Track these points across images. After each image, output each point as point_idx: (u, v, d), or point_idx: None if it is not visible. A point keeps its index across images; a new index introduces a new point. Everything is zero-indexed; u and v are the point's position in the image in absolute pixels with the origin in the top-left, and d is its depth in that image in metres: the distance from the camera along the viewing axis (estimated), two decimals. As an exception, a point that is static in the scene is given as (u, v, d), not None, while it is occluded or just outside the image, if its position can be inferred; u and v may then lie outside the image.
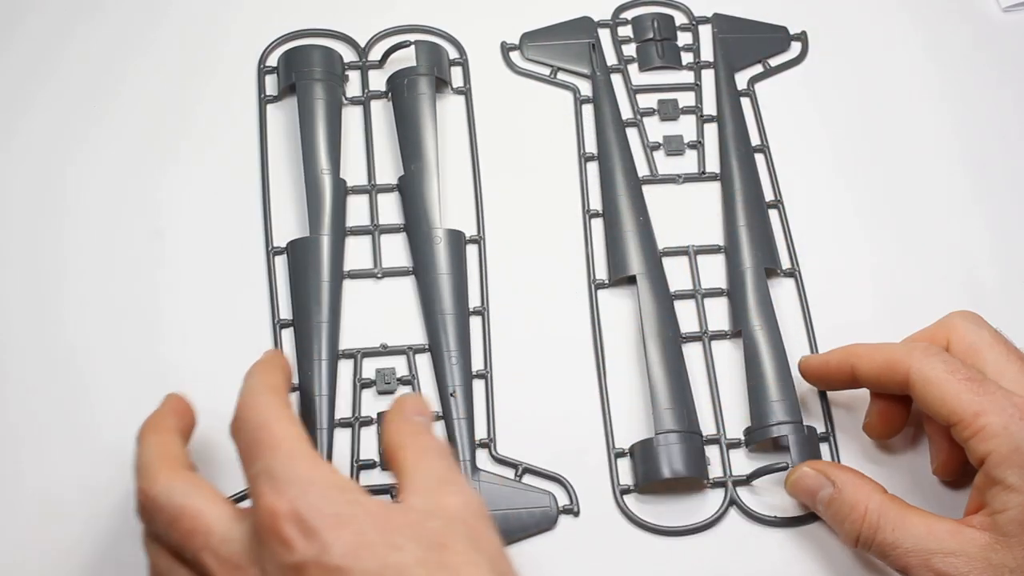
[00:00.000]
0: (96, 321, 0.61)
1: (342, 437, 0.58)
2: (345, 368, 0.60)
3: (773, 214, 0.66)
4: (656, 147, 0.68)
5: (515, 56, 0.71)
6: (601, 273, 0.64)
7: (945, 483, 0.58)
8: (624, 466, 0.58)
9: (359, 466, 0.57)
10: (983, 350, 0.53)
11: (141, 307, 0.61)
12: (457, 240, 0.63)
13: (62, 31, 0.70)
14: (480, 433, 0.59)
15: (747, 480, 0.58)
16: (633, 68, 0.71)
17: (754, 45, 0.72)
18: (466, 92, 0.69)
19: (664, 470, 0.57)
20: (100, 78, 0.68)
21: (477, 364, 0.60)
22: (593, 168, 0.67)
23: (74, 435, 0.58)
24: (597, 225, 0.65)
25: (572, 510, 0.57)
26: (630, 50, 0.72)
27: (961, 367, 0.52)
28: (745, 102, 0.70)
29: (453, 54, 0.70)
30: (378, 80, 0.69)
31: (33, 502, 0.56)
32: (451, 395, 0.59)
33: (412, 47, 0.68)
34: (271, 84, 0.69)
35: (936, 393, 0.51)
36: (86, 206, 0.64)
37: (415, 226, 0.64)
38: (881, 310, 0.63)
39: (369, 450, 0.58)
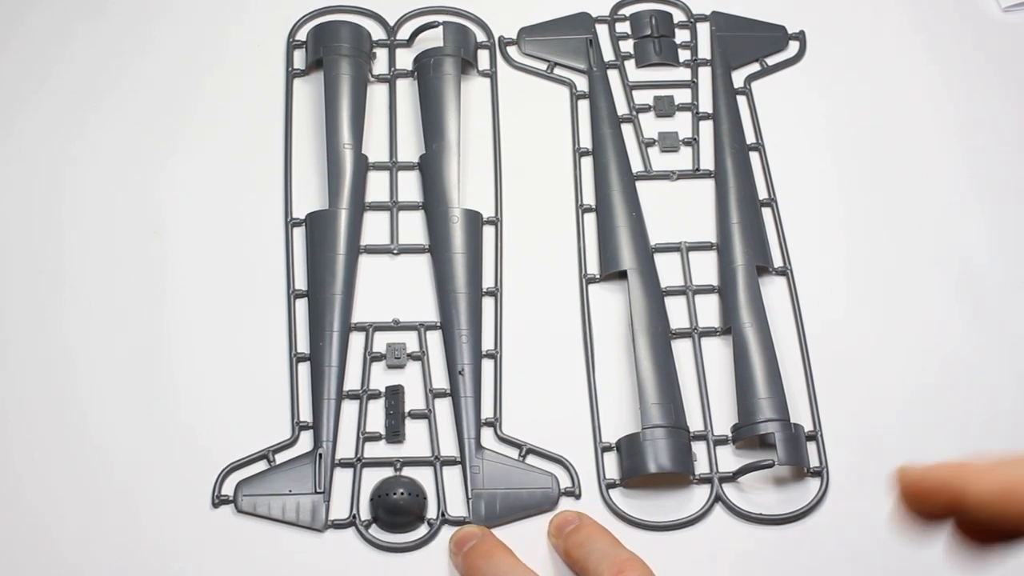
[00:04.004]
0: (107, 288, 0.62)
1: (350, 409, 0.59)
2: (356, 341, 0.61)
3: (766, 212, 0.66)
4: (651, 143, 0.68)
5: (512, 51, 0.71)
6: (593, 267, 0.64)
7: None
8: (610, 460, 0.58)
9: (365, 438, 0.58)
10: None
11: (156, 275, 0.62)
12: (474, 220, 0.64)
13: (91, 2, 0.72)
14: (487, 412, 0.59)
15: (733, 477, 0.58)
16: (630, 64, 0.71)
17: (752, 43, 0.72)
18: (491, 75, 0.70)
19: (650, 465, 0.57)
20: (126, 47, 0.70)
21: (487, 344, 0.61)
22: (587, 163, 0.67)
23: (74, 422, 0.58)
24: (590, 220, 0.65)
25: (574, 493, 0.57)
26: (627, 46, 0.72)
27: None
28: (741, 100, 0.70)
29: (481, 37, 0.71)
30: (405, 59, 0.70)
31: (33, 503, 0.56)
32: (459, 373, 0.59)
33: (440, 28, 0.69)
34: (299, 58, 0.70)
35: None
36: (105, 178, 0.65)
37: (433, 205, 0.64)
38: (873, 310, 0.63)
39: (375, 422, 0.59)
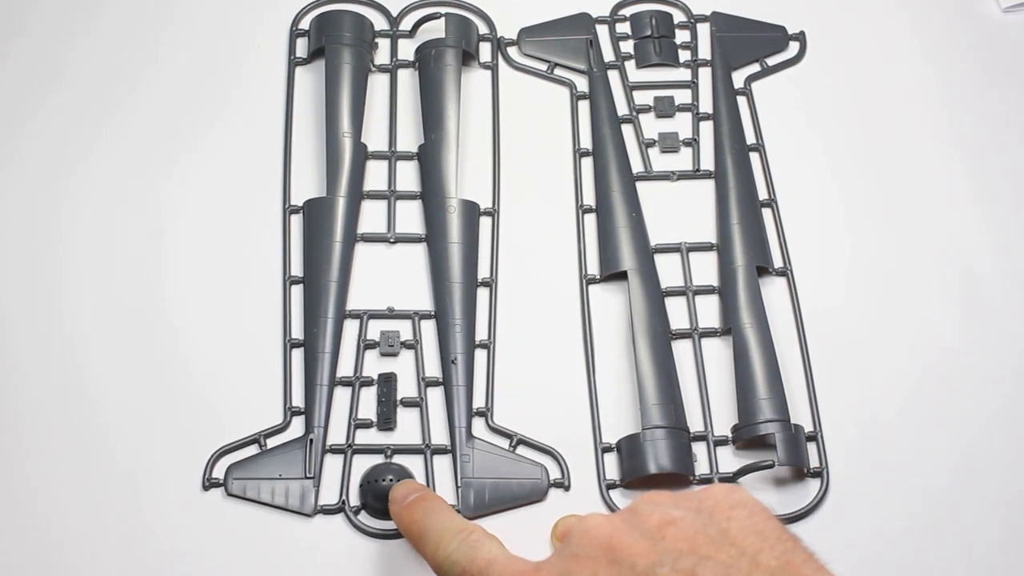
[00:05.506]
0: (105, 272, 0.62)
1: (342, 395, 0.59)
2: (351, 328, 0.61)
3: (767, 213, 0.66)
4: (651, 144, 0.68)
5: (513, 51, 0.71)
6: (593, 268, 0.64)
7: None
8: (611, 460, 0.58)
9: (356, 424, 0.58)
10: None
11: (153, 260, 0.62)
12: (471, 211, 0.64)
13: None
14: (478, 402, 0.59)
15: (733, 477, 0.57)
16: (630, 65, 0.71)
17: (752, 44, 0.72)
18: (492, 67, 0.70)
19: (650, 465, 0.57)
20: (130, 34, 0.70)
21: (481, 334, 0.61)
22: (588, 163, 0.67)
23: (77, 417, 0.58)
24: (590, 220, 0.65)
25: (563, 484, 0.57)
26: (628, 47, 0.72)
27: None
28: (742, 101, 0.70)
29: (483, 29, 0.72)
30: (407, 50, 0.71)
31: (24, 485, 0.56)
32: (452, 362, 0.59)
33: (442, 19, 0.70)
34: (302, 47, 0.70)
35: None
36: (105, 165, 0.65)
37: (431, 195, 0.65)
38: (873, 311, 0.63)
39: (367, 409, 0.59)
